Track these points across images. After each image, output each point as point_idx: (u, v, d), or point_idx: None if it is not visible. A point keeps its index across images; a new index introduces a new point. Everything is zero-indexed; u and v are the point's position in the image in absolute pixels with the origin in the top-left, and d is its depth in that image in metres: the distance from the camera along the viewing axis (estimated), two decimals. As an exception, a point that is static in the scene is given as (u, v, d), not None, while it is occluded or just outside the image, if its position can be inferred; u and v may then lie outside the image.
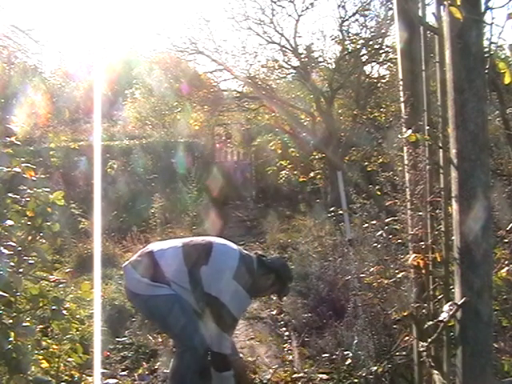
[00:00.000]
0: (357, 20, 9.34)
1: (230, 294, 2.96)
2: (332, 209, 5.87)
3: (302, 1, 9.34)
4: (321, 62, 10.21)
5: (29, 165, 2.13)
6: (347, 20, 9.26)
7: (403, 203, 2.43)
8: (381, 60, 9.72)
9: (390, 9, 8.55)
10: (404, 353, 2.69)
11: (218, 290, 2.97)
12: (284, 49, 9.72)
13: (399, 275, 2.43)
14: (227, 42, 10.21)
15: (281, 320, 4.54)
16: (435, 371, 2.05)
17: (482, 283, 1.64)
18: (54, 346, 2.44)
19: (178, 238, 3.43)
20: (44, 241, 2.12)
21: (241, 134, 12.83)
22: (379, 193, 2.90)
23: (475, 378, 1.68)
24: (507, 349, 2.42)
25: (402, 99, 2.54)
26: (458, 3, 1.52)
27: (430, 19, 2.00)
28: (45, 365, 2.33)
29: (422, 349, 2.12)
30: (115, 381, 3.08)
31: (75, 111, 16.38)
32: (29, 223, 2.07)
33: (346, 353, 3.37)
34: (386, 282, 2.43)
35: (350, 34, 9.38)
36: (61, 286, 3.22)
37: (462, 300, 1.67)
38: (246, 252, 3.27)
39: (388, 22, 8.81)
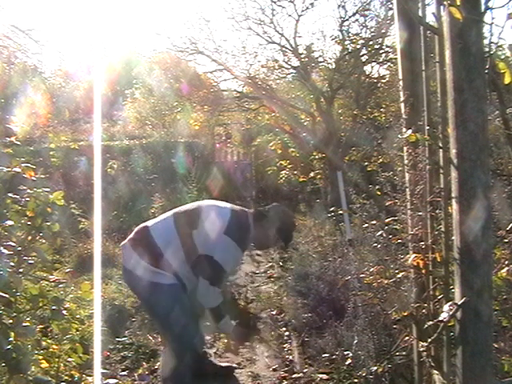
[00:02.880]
0: (357, 20, 9.32)
1: (221, 249, 3.00)
2: (332, 209, 5.87)
3: (302, 1, 9.34)
4: (321, 62, 10.20)
5: (29, 165, 2.13)
6: (347, 20, 9.24)
7: (403, 203, 2.43)
8: (381, 60, 9.71)
9: (390, 9, 8.54)
10: (404, 353, 2.68)
11: (210, 247, 3.00)
12: (284, 49, 9.71)
13: (399, 275, 2.43)
14: (227, 41, 10.23)
15: (281, 320, 4.54)
16: (435, 371, 2.05)
17: (482, 283, 1.64)
18: (54, 346, 2.43)
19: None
20: (44, 241, 2.12)
21: (241, 133, 12.83)
22: (379, 193, 2.90)
23: (475, 378, 1.67)
24: (507, 349, 2.42)
25: (401, 99, 2.54)
26: (458, 3, 1.52)
27: (430, 19, 2.01)
28: (45, 365, 2.32)
29: (421, 349, 2.12)
30: (115, 381, 3.07)
31: (75, 111, 16.41)
32: (29, 223, 2.06)
33: (346, 353, 3.37)
34: (385, 282, 2.43)
35: (350, 34, 9.37)
36: (61, 286, 3.23)
37: (462, 300, 1.67)
38: (239, 208, 3.29)
39: (388, 22, 8.80)
